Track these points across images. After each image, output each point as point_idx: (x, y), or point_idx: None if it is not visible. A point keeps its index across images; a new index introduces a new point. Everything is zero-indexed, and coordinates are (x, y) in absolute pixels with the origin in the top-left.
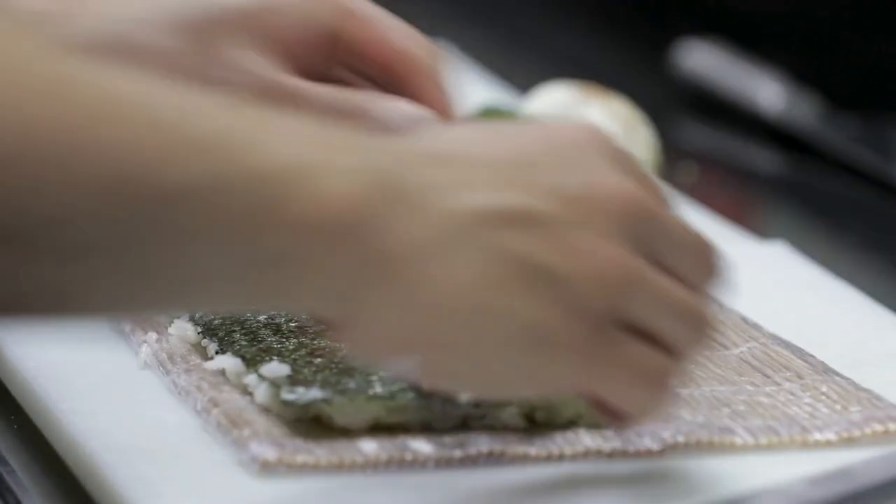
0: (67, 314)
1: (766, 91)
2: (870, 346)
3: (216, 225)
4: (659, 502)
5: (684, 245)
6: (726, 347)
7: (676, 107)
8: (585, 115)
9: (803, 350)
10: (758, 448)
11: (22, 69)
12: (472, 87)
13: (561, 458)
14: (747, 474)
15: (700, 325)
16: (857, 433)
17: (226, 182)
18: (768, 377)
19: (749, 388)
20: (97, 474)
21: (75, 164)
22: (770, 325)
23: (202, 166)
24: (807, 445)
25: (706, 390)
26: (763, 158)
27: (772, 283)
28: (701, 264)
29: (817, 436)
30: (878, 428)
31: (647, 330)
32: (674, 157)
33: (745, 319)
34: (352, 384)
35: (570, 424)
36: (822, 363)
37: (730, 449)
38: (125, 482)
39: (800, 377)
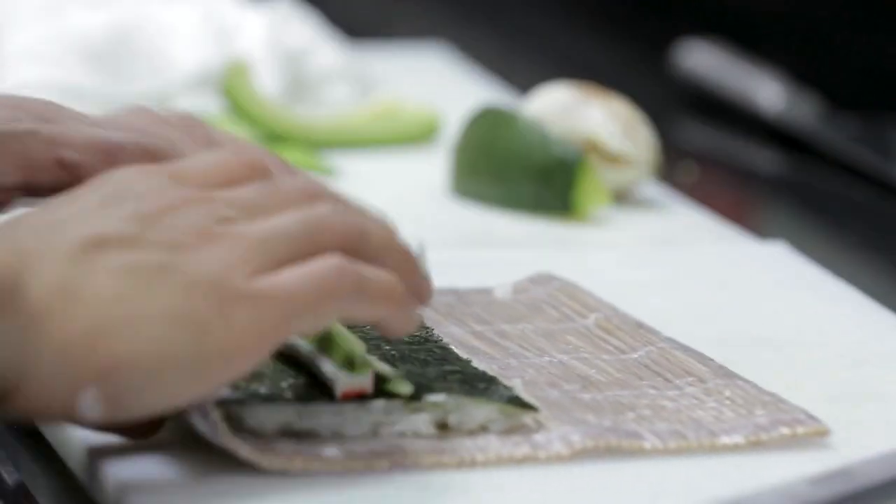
0: None
1: (766, 91)
2: (870, 346)
3: None
4: (658, 502)
5: (272, 188)
6: (623, 351)
7: (676, 107)
8: (585, 115)
9: (702, 354)
10: (666, 452)
11: None
12: (472, 87)
13: (473, 464)
14: (747, 474)
15: (329, 224)
16: (764, 437)
17: None
18: (669, 381)
19: (651, 391)
20: (97, 474)
21: None
22: (769, 325)
23: None
24: (715, 449)
25: (609, 395)
26: (763, 158)
27: (772, 283)
28: (301, 188)
29: (725, 439)
30: (786, 432)
31: (287, 262)
32: (674, 157)
33: (640, 324)
34: (263, 388)
35: (480, 430)
36: (723, 367)
37: (639, 453)
38: (125, 482)
39: (702, 381)
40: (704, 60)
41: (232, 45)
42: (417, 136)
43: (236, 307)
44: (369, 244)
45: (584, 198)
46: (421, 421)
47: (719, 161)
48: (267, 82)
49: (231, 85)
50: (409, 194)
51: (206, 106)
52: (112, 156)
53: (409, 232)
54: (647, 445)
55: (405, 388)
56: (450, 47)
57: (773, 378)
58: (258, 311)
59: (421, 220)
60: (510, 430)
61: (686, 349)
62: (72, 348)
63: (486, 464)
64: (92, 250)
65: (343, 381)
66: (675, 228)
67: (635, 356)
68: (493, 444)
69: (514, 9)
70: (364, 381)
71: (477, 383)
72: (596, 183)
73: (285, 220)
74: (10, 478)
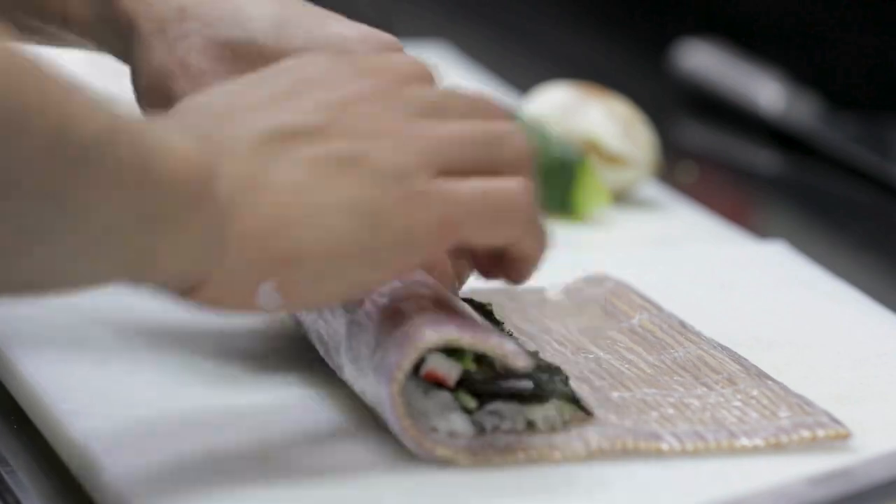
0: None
1: (766, 91)
2: (869, 346)
3: (112, 177)
4: (659, 502)
5: (455, 97)
6: (661, 350)
7: (676, 107)
8: (585, 115)
9: (738, 355)
10: (684, 454)
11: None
12: (472, 87)
13: (487, 463)
14: (747, 474)
15: (509, 141)
16: (784, 439)
17: (116, 135)
18: (699, 379)
19: (679, 389)
20: (96, 474)
21: (22, 123)
22: (769, 325)
23: (101, 122)
24: (734, 451)
25: (637, 393)
26: (763, 158)
27: (771, 282)
28: (479, 103)
29: (745, 441)
30: (806, 434)
31: (466, 170)
32: (674, 157)
33: (683, 324)
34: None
35: (527, 428)
36: (757, 367)
37: (656, 455)
38: (125, 483)
39: (732, 381)
40: (704, 60)
41: None
42: None
43: (417, 203)
44: (533, 169)
45: (584, 198)
46: (460, 420)
47: (719, 161)
48: None
49: None
50: None
51: None
52: None
53: None
54: (664, 447)
55: (471, 403)
56: (450, 47)
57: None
58: (437, 211)
59: None
60: (553, 430)
61: (724, 349)
62: (255, 239)
63: (503, 464)
64: (279, 141)
65: (433, 360)
66: (675, 228)
67: (673, 355)
68: (508, 444)
69: (514, 9)
70: (451, 371)
71: (541, 374)
72: (596, 183)
73: (471, 127)
74: (10, 478)
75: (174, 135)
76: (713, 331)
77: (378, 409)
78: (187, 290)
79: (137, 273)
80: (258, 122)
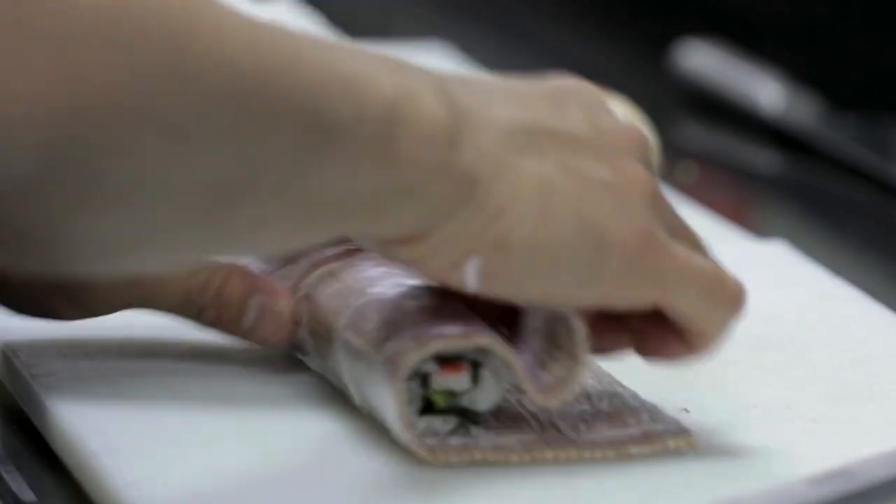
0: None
1: (766, 91)
2: (870, 345)
3: (360, 154)
4: (657, 502)
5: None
6: None
7: (676, 107)
8: None
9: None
10: (532, 462)
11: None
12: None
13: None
14: (747, 474)
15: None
16: (635, 451)
17: (363, 113)
18: None
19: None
20: (97, 475)
21: (281, 105)
22: (769, 324)
23: (352, 100)
24: (582, 460)
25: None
26: (763, 158)
27: (771, 281)
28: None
29: (592, 451)
30: (655, 442)
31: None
32: (674, 157)
33: None
34: None
35: None
36: (610, 375)
37: (504, 464)
38: (125, 483)
39: (585, 393)
40: (704, 60)
41: None
42: None
43: (650, 251)
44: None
45: None
46: (437, 421)
47: (719, 161)
48: None
49: None
50: None
51: None
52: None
53: None
54: (513, 458)
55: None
56: (450, 47)
57: (773, 378)
58: (665, 265)
59: None
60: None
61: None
62: (481, 214)
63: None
64: (535, 134)
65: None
66: None
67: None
68: (465, 445)
69: (515, 9)
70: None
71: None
72: None
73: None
74: (10, 478)
75: (426, 94)
76: None
77: (377, 401)
78: (400, 241)
79: (361, 231)
80: (516, 112)
